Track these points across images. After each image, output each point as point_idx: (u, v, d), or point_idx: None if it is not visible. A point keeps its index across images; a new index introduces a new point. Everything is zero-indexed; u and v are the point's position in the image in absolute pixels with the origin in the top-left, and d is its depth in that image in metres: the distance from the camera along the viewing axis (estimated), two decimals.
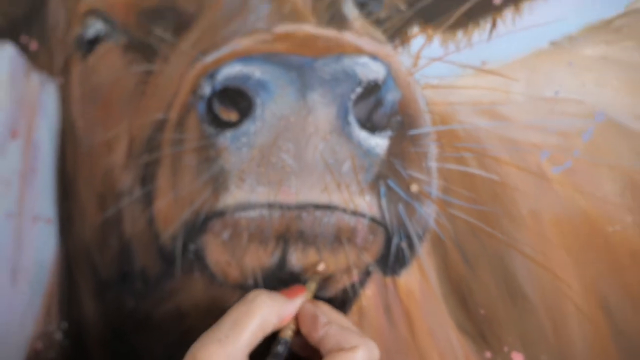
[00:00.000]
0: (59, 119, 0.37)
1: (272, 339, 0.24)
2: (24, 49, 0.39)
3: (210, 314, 0.30)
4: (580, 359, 0.23)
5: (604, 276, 0.23)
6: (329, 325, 0.23)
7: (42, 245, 0.37)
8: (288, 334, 0.24)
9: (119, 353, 0.34)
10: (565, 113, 0.23)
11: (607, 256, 0.23)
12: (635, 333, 0.22)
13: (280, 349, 0.24)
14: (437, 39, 0.26)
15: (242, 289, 0.29)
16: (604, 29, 0.23)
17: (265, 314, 0.24)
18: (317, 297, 0.27)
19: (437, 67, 0.26)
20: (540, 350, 0.23)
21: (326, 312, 0.25)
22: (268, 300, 0.24)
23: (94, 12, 0.35)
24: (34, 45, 0.39)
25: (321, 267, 0.28)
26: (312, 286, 0.27)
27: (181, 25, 0.32)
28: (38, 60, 0.38)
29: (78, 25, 0.36)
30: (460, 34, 0.25)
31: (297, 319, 0.25)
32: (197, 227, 0.30)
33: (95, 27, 0.35)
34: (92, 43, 0.35)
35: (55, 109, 0.37)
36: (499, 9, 0.25)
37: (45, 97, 0.37)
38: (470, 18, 0.25)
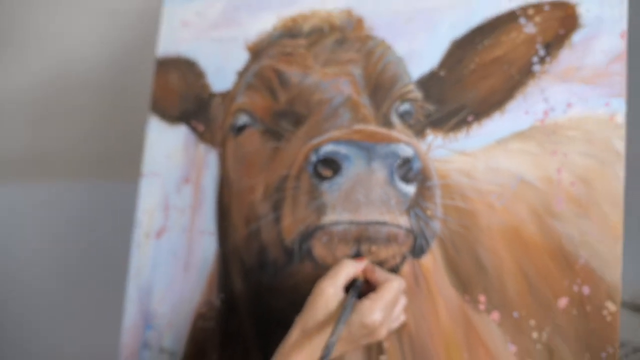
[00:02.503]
0: (218, 173, 0.65)
1: (351, 286, 0.51)
2: (194, 129, 0.68)
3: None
4: (512, 297, 0.47)
5: (523, 255, 0.48)
6: (380, 272, 0.50)
7: (206, 248, 0.64)
8: (360, 278, 0.51)
9: (257, 313, 0.60)
10: (503, 175, 0.49)
11: (524, 246, 0.48)
12: (539, 284, 0.47)
13: (358, 283, 0.50)
14: (440, 137, 0.52)
15: None
16: (520, 135, 0.49)
17: (349, 267, 0.51)
18: None
19: (440, 151, 0.52)
20: (493, 293, 0.48)
21: (378, 268, 0.52)
22: (349, 261, 0.51)
23: (242, 110, 0.64)
24: (200, 128, 0.67)
25: (373, 248, 0.55)
26: (368, 259, 0.54)
27: (298, 121, 0.60)
28: (204, 137, 0.67)
29: (231, 117, 0.65)
30: (451, 134, 0.52)
31: (364, 273, 0.51)
32: (308, 235, 0.57)
33: (243, 119, 0.64)
34: (241, 129, 0.64)
35: (216, 167, 0.65)
36: (470, 124, 0.51)
37: (209, 159, 0.66)
38: (456, 127, 0.52)
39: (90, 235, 1.21)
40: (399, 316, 0.52)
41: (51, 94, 1.24)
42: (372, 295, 0.49)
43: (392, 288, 0.49)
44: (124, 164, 1.01)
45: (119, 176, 1.08)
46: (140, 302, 0.68)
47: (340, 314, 0.48)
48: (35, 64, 1.17)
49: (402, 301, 0.51)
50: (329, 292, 0.49)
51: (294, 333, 0.50)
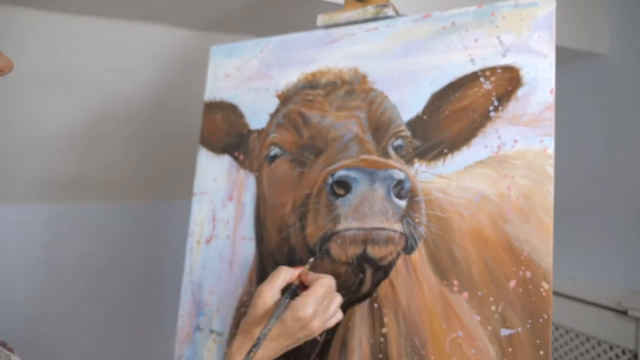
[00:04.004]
0: (256, 192, 0.84)
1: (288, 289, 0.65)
2: (236, 159, 0.88)
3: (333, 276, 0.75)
4: (476, 281, 0.66)
5: (484, 250, 0.66)
6: (313, 274, 0.64)
7: (246, 250, 0.83)
8: (296, 283, 0.64)
9: None
10: (470, 191, 0.68)
11: (484, 244, 0.66)
12: (495, 270, 0.65)
13: (293, 286, 0.63)
14: (424, 164, 0.72)
15: (347, 265, 0.74)
16: (481, 163, 0.68)
17: (285, 272, 0.64)
18: (377, 266, 0.72)
19: (424, 175, 0.71)
20: (463, 278, 0.67)
21: (311, 272, 0.65)
22: (285, 267, 0.65)
23: (274, 144, 0.83)
24: (241, 157, 0.87)
25: (311, 260, 0.70)
26: (307, 266, 0.69)
27: (318, 152, 0.79)
28: (244, 164, 0.87)
29: (266, 149, 0.84)
30: (432, 162, 0.71)
31: (299, 277, 0.65)
32: (326, 239, 0.76)
33: (275, 151, 0.83)
34: (273, 158, 0.83)
35: (253, 187, 0.85)
36: (445, 155, 0.70)
37: (248, 181, 0.85)
38: (435, 157, 0.71)
39: (136, 247, 1.41)
40: (335, 313, 0.62)
41: (100, 125, 1.45)
42: (303, 293, 0.60)
43: (322, 284, 0.60)
44: (162, 186, 1.21)
45: (161, 196, 1.28)
46: (193, 294, 0.87)
47: (274, 311, 0.57)
48: (88, 99, 1.38)
49: (337, 299, 0.63)
50: (267, 295, 0.61)
51: (239, 334, 0.61)
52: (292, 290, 0.62)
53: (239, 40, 1.26)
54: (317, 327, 0.59)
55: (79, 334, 1.51)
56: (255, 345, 0.53)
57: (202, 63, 1.35)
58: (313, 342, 0.74)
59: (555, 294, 1.61)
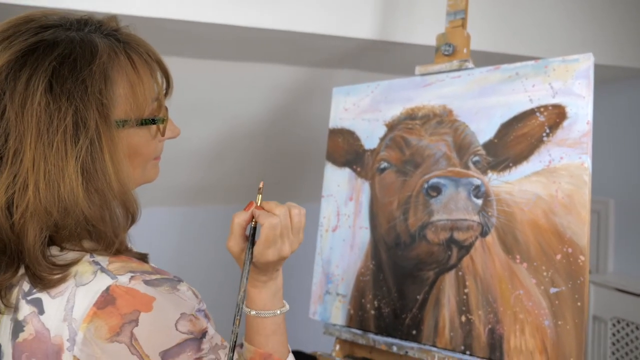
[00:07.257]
0: (369, 194, 1.19)
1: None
2: (354, 170, 1.23)
3: (429, 255, 1.08)
4: (533, 255, 0.96)
5: (539, 234, 0.96)
6: (262, 214, 0.62)
7: (363, 236, 1.18)
8: (252, 224, 0.63)
9: (394, 271, 1.12)
10: (528, 194, 0.98)
11: (539, 230, 0.96)
12: (547, 248, 0.95)
13: (250, 230, 0.62)
14: (495, 174, 1.03)
15: (439, 245, 1.07)
16: (537, 173, 0.98)
17: (238, 218, 0.64)
18: (461, 246, 1.04)
19: (495, 181, 1.03)
20: (523, 254, 0.97)
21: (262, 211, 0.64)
22: (238, 214, 0.64)
23: (384, 159, 1.18)
24: (358, 169, 1.22)
25: (261, 184, 0.69)
26: (259, 197, 0.66)
27: (416, 165, 1.12)
28: (360, 174, 1.22)
29: (377, 163, 1.19)
30: (501, 173, 1.02)
31: (252, 218, 0.64)
32: (423, 227, 1.09)
33: (384, 164, 1.17)
34: (383, 170, 1.18)
35: (368, 191, 1.19)
36: (510, 167, 1.01)
37: (364, 187, 1.20)
38: (503, 169, 1.02)
39: None
40: (298, 233, 0.64)
41: (224, 143, 1.86)
42: (257, 241, 0.61)
43: (266, 229, 0.60)
44: (277, 192, 1.59)
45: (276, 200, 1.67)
46: (323, 268, 1.23)
47: (242, 268, 0.59)
48: (215, 123, 1.79)
49: (295, 216, 0.63)
50: (234, 250, 0.63)
51: None
52: (252, 235, 0.61)
53: (344, 75, 1.63)
54: (288, 254, 0.63)
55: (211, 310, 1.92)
56: (237, 313, 0.54)
57: (314, 93, 1.73)
58: (413, 299, 1.08)
59: (619, 290, 1.83)
